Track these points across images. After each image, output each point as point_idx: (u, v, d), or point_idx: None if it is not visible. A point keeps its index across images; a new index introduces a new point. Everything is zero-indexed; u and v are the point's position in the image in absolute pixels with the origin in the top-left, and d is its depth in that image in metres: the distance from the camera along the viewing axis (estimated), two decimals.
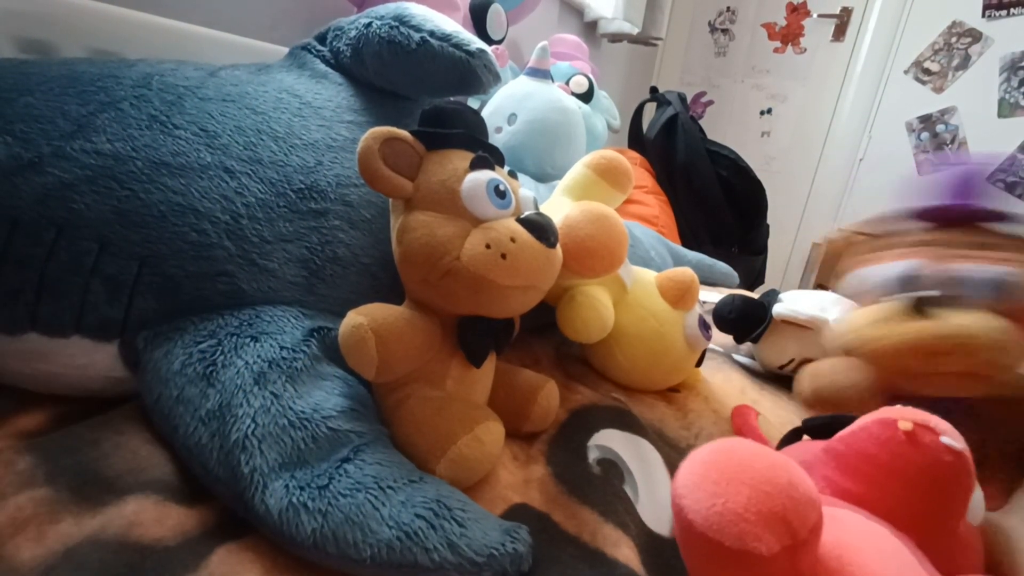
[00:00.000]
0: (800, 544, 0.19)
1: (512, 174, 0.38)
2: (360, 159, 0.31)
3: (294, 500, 0.26)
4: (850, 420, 0.29)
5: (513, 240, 0.31)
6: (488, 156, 0.34)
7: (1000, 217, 0.38)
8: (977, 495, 0.28)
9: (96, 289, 0.32)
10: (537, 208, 0.37)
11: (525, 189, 0.38)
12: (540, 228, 0.33)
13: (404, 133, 0.32)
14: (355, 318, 0.31)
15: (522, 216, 0.34)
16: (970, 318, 0.34)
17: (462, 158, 0.34)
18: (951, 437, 0.24)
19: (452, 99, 0.37)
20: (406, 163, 0.33)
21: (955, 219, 0.39)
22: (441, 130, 0.34)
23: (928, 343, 0.35)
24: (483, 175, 0.33)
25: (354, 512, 0.26)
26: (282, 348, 0.32)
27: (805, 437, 0.36)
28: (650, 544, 0.31)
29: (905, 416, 0.26)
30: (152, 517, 0.25)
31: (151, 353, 0.32)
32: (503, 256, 0.31)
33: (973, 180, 0.39)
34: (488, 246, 0.31)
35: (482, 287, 0.31)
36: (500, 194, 0.33)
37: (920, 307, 0.36)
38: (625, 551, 0.28)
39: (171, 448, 0.30)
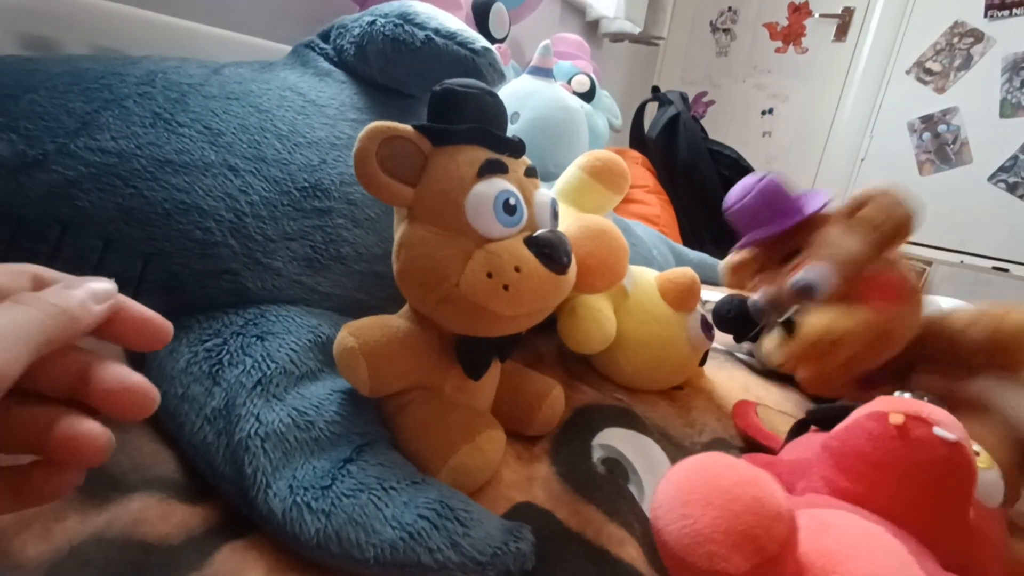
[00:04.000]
0: (770, 560, 0.19)
1: (532, 171, 0.34)
2: (356, 161, 0.28)
3: (298, 500, 0.26)
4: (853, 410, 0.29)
5: (518, 269, 0.28)
6: (500, 159, 0.31)
7: (813, 217, 0.45)
8: (991, 476, 0.27)
9: None
10: (556, 213, 0.35)
11: (543, 191, 0.34)
12: (551, 252, 0.29)
13: (406, 129, 0.29)
14: (346, 339, 0.30)
15: (534, 235, 0.30)
16: (810, 323, 0.39)
17: (471, 161, 0.30)
18: (945, 427, 0.23)
19: (466, 80, 0.31)
20: (408, 164, 0.30)
21: (775, 239, 0.46)
22: (449, 127, 0.30)
23: (803, 355, 0.40)
24: (491, 187, 0.29)
25: (357, 512, 0.26)
26: (288, 349, 0.32)
27: (813, 428, 0.36)
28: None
29: (897, 407, 0.25)
30: (157, 515, 0.25)
31: (155, 351, 0.32)
32: (505, 287, 0.28)
33: (768, 196, 0.46)
34: (489, 274, 0.28)
35: (481, 315, 0.30)
36: (509, 209, 0.30)
37: (788, 327, 0.42)
38: (630, 550, 0.28)
39: (175, 446, 0.30)
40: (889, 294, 0.41)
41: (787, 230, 0.45)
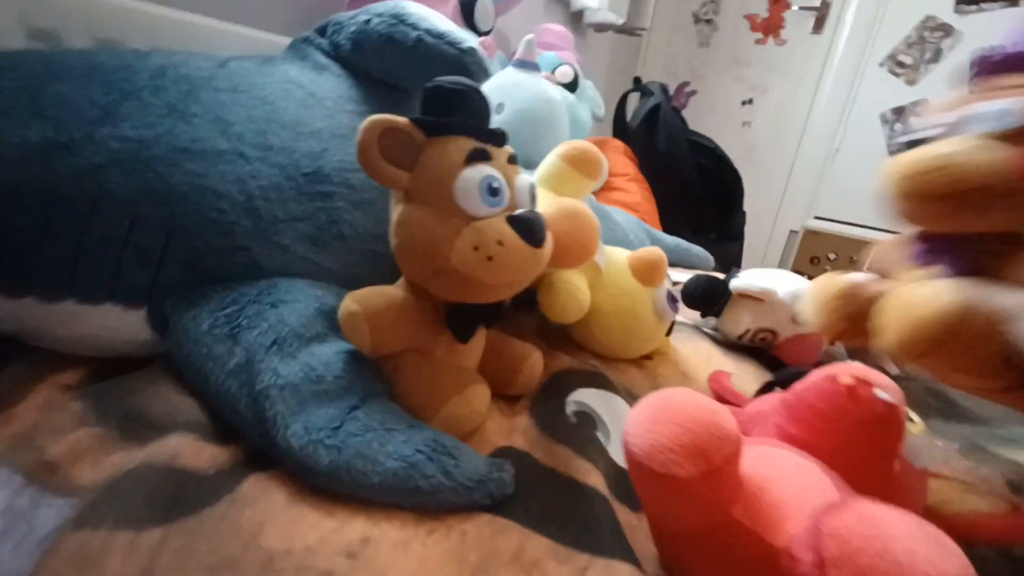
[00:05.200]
0: (715, 471, 0.23)
1: (514, 159, 0.38)
2: (359, 151, 0.32)
3: (313, 438, 0.30)
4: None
5: (500, 243, 0.33)
6: (485, 148, 0.35)
7: None
8: (922, 440, 0.31)
9: (128, 259, 0.36)
10: (534, 196, 0.39)
11: (523, 176, 0.38)
12: (528, 229, 0.34)
13: (403, 122, 0.33)
14: (351, 305, 0.34)
15: (514, 214, 0.35)
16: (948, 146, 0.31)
17: (460, 149, 0.34)
18: (886, 391, 0.27)
19: (455, 78, 0.35)
20: (405, 153, 0.34)
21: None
22: (440, 119, 0.34)
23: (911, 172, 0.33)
24: (477, 172, 0.34)
25: (364, 447, 0.30)
26: (298, 315, 0.36)
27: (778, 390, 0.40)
28: (618, 476, 0.36)
29: (849, 371, 0.29)
30: (191, 451, 0.30)
31: (179, 316, 0.36)
32: (489, 258, 0.33)
33: None
34: (476, 248, 0.33)
35: (469, 284, 0.34)
36: (493, 192, 0.34)
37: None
38: (594, 478, 0.33)
39: (198, 398, 0.35)
40: None
41: None
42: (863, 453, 0.29)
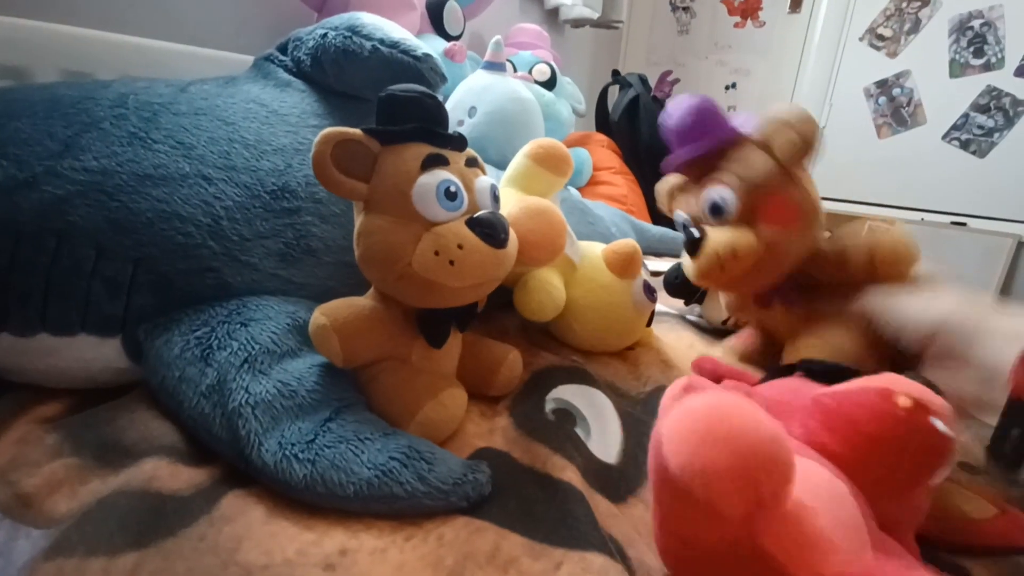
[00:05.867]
0: (763, 507, 0.20)
1: (474, 162, 0.38)
2: (314, 165, 0.32)
3: (287, 453, 0.30)
4: (852, 373, 0.29)
5: (460, 246, 0.33)
6: (441, 153, 0.35)
7: (734, 138, 0.46)
8: None
9: (97, 290, 0.36)
10: (496, 196, 0.39)
11: (484, 178, 0.38)
12: (489, 230, 0.34)
13: (356, 133, 0.33)
14: (319, 318, 0.34)
15: (474, 216, 0.35)
16: (711, 239, 0.44)
17: (415, 155, 0.34)
18: (943, 420, 0.24)
19: (407, 86, 0.35)
20: (360, 163, 0.34)
21: (704, 158, 0.46)
22: (394, 128, 0.34)
23: (706, 269, 0.45)
24: (433, 177, 0.34)
25: (338, 459, 0.30)
26: (269, 332, 0.37)
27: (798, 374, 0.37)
28: (598, 470, 0.36)
29: (906, 390, 0.25)
30: (167, 473, 0.30)
31: (152, 342, 0.36)
32: (451, 262, 0.33)
33: (702, 115, 0.45)
34: (437, 253, 0.33)
35: (434, 289, 0.34)
36: (450, 196, 0.34)
37: (692, 248, 0.46)
38: (569, 474, 0.33)
39: (176, 422, 0.35)
40: (782, 215, 0.43)
41: (714, 151, 0.45)
42: (900, 479, 0.26)
